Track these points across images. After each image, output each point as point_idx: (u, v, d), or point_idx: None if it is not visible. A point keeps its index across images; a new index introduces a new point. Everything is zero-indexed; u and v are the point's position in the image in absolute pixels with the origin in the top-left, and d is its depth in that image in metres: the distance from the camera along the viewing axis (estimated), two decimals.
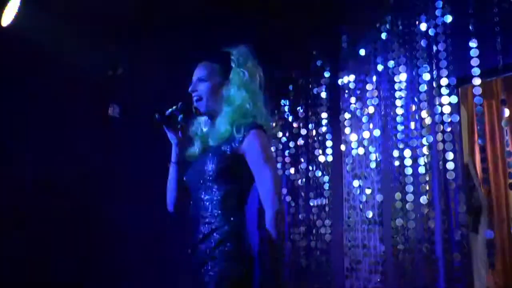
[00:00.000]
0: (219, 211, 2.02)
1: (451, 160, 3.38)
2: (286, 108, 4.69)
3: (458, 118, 3.45)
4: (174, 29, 4.09)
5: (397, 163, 3.71)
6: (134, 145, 3.88)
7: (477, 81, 3.31)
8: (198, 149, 2.22)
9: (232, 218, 2.03)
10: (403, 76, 3.80)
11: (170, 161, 2.23)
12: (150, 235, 3.86)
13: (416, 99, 3.68)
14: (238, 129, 2.06)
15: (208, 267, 1.98)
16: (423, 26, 3.69)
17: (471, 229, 3.47)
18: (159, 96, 4.02)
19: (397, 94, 3.80)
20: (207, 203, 2.04)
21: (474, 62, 3.33)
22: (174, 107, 2.17)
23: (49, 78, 3.44)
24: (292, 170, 4.56)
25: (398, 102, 3.78)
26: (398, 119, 3.74)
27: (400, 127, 3.72)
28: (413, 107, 3.71)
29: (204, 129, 2.25)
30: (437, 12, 3.59)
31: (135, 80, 3.79)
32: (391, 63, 3.88)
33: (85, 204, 3.59)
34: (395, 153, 3.71)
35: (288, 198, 4.53)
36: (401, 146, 3.70)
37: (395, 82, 3.83)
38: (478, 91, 3.30)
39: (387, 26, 3.95)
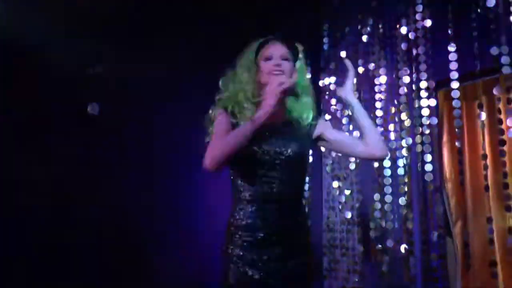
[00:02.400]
0: (300, 190, 2.16)
1: (429, 162, 3.43)
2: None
3: (436, 121, 3.50)
4: (155, 27, 4.07)
5: (376, 164, 3.74)
6: (114, 144, 3.85)
7: (455, 85, 3.36)
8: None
9: (306, 208, 2.14)
10: (383, 79, 3.84)
11: (253, 120, 2.00)
12: (128, 236, 3.83)
13: (395, 102, 3.73)
14: (313, 116, 2.24)
15: (287, 262, 2.00)
16: (403, 30, 3.73)
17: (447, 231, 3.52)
18: (139, 95, 4.02)
19: (377, 96, 3.84)
20: (285, 184, 2.05)
21: (453, 66, 3.38)
22: (293, 78, 2.16)
23: (27, 76, 3.39)
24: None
25: (378, 104, 3.82)
26: (378, 121, 3.78)
27: (379, 129, 3.76)
28: (393, 109, 3.75)
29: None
30: (417, 16, 3.64)
31: (115, 78, 3.75)
32: (371, 66, 3.92)
33: (60, 205, 3.54)
34: None
35: None
36: None
37: (376, 85, 3.87)
38: (456, 94, 3.35)
39: (368, 29, 3.99)
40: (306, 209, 4.05)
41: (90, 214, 3.61)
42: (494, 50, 3.17)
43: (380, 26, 3.94)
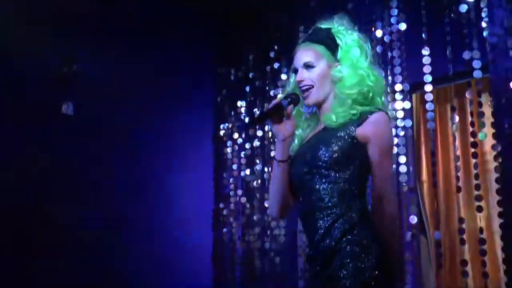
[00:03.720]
0: (340, 199, 1.78)
1: (403, 164, 3.48)
2: (243, 110, 4.70)
3: (411, 123, 3.57)
4: (131, 27, 4.04)
5: None
6: (87, 144, 3.80)
7: (428, 88, 3.43)
8: (298, 140, 1.99)
9: (356, 206, 1.79)
10: None
11: (275, 160, 1.92)
12: (97, 237, 3.79)
13: None
14: (358, 112, 1.83)
15: (337, 263, 1.73)
16: (378, 33, 3.78)
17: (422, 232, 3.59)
18: (115, 94, 3.98)
19: None
20: (323, 193, 1.81)
21: (427, 69, 3.44)
22: (279, 97, 1.90)
23: (1, 74, 3.32)
24: (247, 171, 4.58)
25: (388, 111, 3.85)
26: None
27: None
28: None
29: (306, 120, 2.02)
30: (392, 20, 3.70)
31: (91, 77, 3.70)
32: None
33: (31, 204, 3.48)
34: None
35: (243, 200, 4.54)
36: None
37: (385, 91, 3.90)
38: (429, 97, 3.42)
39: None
40: None
41: (65, 214, 3.56)
42: (466, 55, 3.25)
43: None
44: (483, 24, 3.21)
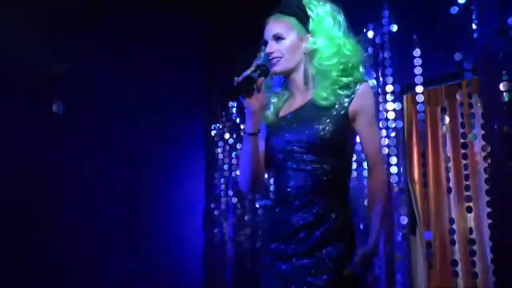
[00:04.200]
0: (323, 184, 1.79)
1: (394, 164, 3.50)
2: (234, 110, 4.70)
3: (401, 124, 3.58)
4: (122, 28, 4.02)
5: None
6: (78, 143, 3.78)
7: (419, 89, 3.45)
8: (274, 109, 1.97)
9: (338, 191, 1.82)
10: None
11: (245, 133, 1.88)
12: (90, 235, 3.77)
13: None
14: (345, 87, 1.83)
15: (312, 270, 1.73)
16: (370, 34, 3.80)
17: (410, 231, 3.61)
18: (106, 95, 3.96)
19: None
20: (308, 180, 1.79)
21: (417, 70, 3.46)
22: (249, 70, 1.85)
23: None
24: (238, 172, 4.57)
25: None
26: None
27: None
28: None
29: (281, 91, 2.00)
30: (384, 21, 3.71)
31: (81, 76, 3.68)
32: None
33: (23, 204, 3.45)
34: None
35: (234, 200, 4.54)
36: None
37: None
38: (420, 98, 3.44)
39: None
40: None
41: (53, 215, 3.54)
42: (457, 56, 3.27)
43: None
44: (474, 26, 3.23)
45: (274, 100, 1.99)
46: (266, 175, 4.42)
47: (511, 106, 2.90)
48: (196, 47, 4.79)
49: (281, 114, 1.96)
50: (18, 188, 3.44)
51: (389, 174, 3.52)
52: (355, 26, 3.88)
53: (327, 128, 1.79)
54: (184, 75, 4.66)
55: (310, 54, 1.90)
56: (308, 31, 1.90)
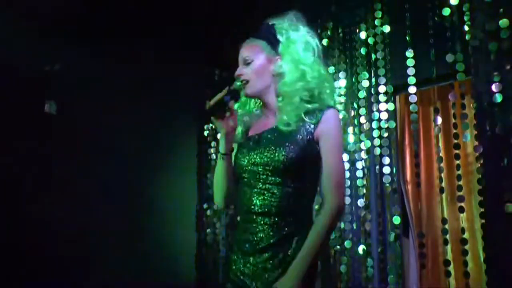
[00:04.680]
0: (285, 206, 1.81)
1: (387, 165, 3.52)
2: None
3: (394, 124, 3.60)
4: (116, 27, 4.01)
5: None
6: (69, 143, 3.76)
7: (412, 90, 3.46)
8: (242, 130, 2.02)
9: (300, 214, 1.82)
10: (342, 82, 3.90)
11: (218, 152, 1.97)
12: (82, 236, 3.75)
13: (355, 105, 3.80)
14: (310, 112, 1.86)
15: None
16: (362, 35, 3.81)
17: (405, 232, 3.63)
18: (98, 95, 3.94)
19: (337, 99, 3.90)
20: (273, 201, 1.81)
21: (410, 71, 3.48)
22: (220, 93, 1.91)
23: None
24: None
25: (338, 107, 3.87)
26: None
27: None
28: (352, 113, 3.82)
29: (254, 111, 2.06)
30: (376, 22, 3.73)
31: (73, 76, 3.66)
32: (331, 69, 3.98)
33: (15, 205, 3.43)
34: None
35: None
36: None
37: (335, 88, 3.92)
38: (413, 99, 3.46)
39: (328, 32, 4.05)
40: None
41: (45, 215, 3.52)
42: (449, 57, 3.29)
43: (339, 30, 4.01)
44: (466, 28, 3.26)
45: (246, 119, 2.05)
46: None
47: (503, 107, 2.93)
48: (189, 47, 4.77)
49: (250, 133, 2.02)
50: (10, 188, 3.41)
51: (382, 174, 3.54)
52: (347, 27, 3.94)
53: (290, 154, 1.80)
54: (176, 75, 4.64)
55: (278, 77, 1.93)
56: (277, 54, 1.94)
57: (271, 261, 1.79)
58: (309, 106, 1.87)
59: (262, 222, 1.82)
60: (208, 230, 4.61)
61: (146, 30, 4.30)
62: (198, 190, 4.77)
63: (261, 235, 1.81)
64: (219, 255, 4.51)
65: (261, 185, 1.84)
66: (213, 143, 4.72)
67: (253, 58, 1.94)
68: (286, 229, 1.81)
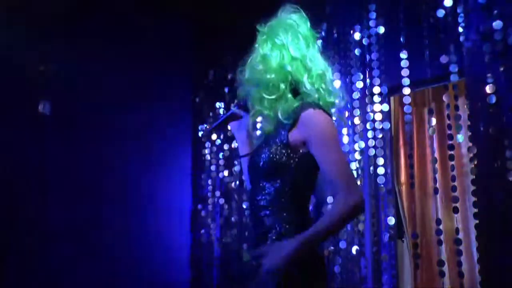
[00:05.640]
0: (272, 208, 1.82)
1: (381, 166, 3.53)
2: (222, 111, 4.69)
3: (389, 125, 3.61)
4: (108, 26, 3.99)
5: None
6: (64, 143, 3.74)
7: (406, 91, 3.48)
8: (260, 134, 2.03)
9: (289, 219, 1.80)
10: (337, 83, 3.91)
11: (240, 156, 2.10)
12: (76, 235, 3.74)
13: (349, 106, 3.81)
14: (284, 113, 1.80)
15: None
16: (357, 36, 3.82)
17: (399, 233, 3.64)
18: (91, 94, 3.92)
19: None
20: (259, 198, 1.85)
21: (405, 72, 3.49)
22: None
23: None
24: (226, 173, 4.57)
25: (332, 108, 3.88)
26: None
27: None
28: (346, 114, 3.83)
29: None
30: (371, 23, 3.73)
31: (67, 76, 3.65)
32: None
33: (8, 204, 3.41)
34: None
35: (222, 201, 4.53)
36: None
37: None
38: (407, 100, 3.47)
39: (323, 33, 4.05)
40: None
41: (38, 215, 3.50)
42: (443, 59, 3.31)
43: (334, 31, 4.02)
44: (460, 29, 3.27)
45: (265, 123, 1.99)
46: (226, 172, 4.46)
47: (497, 108, 2.94)
48: (183, 48, 4.77)
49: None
50: (3, 188, 3.39)
51: (376, 175, 3.55)
52: (341, 27, 3.95)
53: (267, 155, 1.80)
54: (171, 75, 4.64)
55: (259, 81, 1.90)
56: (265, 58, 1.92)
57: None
58: (284, 105, 1.82)
59: (259, 217, 1.86)
60: (203, 231, 4.60)
61: (141, 29, 4.29)
62: (193, 190, 4.77)
63: (260, 228, 1.86)
64: (213, 256, 4.50)
65: (258, 184, 1.88)
66: (207, 144, 4.71)
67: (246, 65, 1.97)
68: (274, 224, 1.81)
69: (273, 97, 1.83)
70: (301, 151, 1.80)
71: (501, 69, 2.96)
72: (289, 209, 1.82)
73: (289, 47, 1.85)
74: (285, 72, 1.84)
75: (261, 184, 1.86)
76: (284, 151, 1.79)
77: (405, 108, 3.47)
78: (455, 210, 3.20)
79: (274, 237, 1.79)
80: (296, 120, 1.78)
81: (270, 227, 1.81)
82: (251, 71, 1.87)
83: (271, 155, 1.80)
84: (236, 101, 2.03)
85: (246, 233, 4.31)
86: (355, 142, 3.73)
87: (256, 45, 1.93)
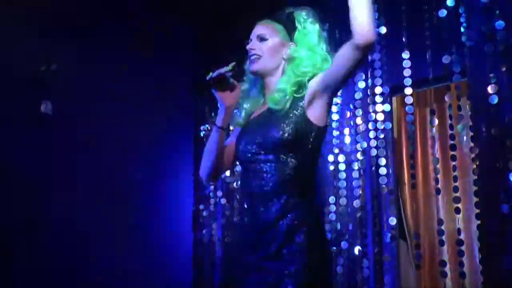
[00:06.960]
0: (285, 184, 1.80)
1: (383, 166, 3.52)
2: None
3: (390, 126, 3.60)
4: (109, 27, 4.00)
5: (331, 167, 3.80)
6: (66, 143, 3.74)
7: (408, 91, 3.47)
8: (245, 114, 2.03)
9: (308, 196, 1.81)
10: None
11: (214, 125, 2.00)
12: (78, 236, 3.74)
13: (351, 106, 3.80)
14: (299, 88, 1.88)
15: (280, 261, 1.73)
16: None
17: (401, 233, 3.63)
18: (94, 95, 3.93)
19: (333, 100, 3.89)
20: (272, 176, 1.81)
21: (407, 72, 3.48)
22: (224, 68, 1.97)
23: None
24: (227, 173, 4.56)
25: (334, 108, 3.87)
26: (334, 124, 3.83)
27: (335, 133, 3.82)
28: (348, 114, 3.82)
29: (253, 91, 2.07)
30: None
31: (69, 76, 3.65)
32: None
33: (12, 205, 3.41)
34: (330, 158, 3.80)
35: (223, 201, 4.53)
36: (336, 151, 3.80)
37: None
38: (409, 100, 3.46)
39: (325, 34, 4.04)
40: None
41: (41, 215, 3.51)
42: (445, 59, 3.30)
43: (336, 31, 4.01)
44: (462, 29, 3.27)
45: (247, 105, 2.05)
46: (228, 172, 4.42)
47: (499, 108, 2.94)
48: (185, 49, 4.77)
49: (251, 118, 2.04)
50: (7, 189, 3.40)
51: (378, 175, 3.54)
52: (344, 28, 3.94)
53: (285, 131, 1.81)
54: (173, 76, 4.64)
55: (289, 61, 1.96)
56: (292, 40, 1.99)
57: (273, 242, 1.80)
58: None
59: (260, 201, 1.83)
60: (205, 231, 4.60)
61: (143, 30, 4.30)
62: (195, 191, 4.77)
63: (261, 213, 1.82)
64: (215, 256, 4.50)
65: (256, 166, 1.85)
66: None
67: (268, 36, 1.98)
68: (282, 206, 1.79)
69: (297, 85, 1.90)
70: (315, 123, 1.85)
71: (503, 69, 2.95)
72: (307, 186, 1.84)
73: (327, 57, 1.99)
74: (318, 70, 1.93)
75: (271, 161, 1.82)
76: (304, 124, 1.83)
77: (407, 108, 3.46)
78: (457, 211, 3.19)
79: (296, 220, 1.77)
80: (305, 88, 1.87)
81: (283, 213, 1.78)
82: (309, 57, 1.93)
83: (296, 126, 1.82)
84: (232, 64, 2.00)
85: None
86: (357, 142, 3.72)
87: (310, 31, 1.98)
